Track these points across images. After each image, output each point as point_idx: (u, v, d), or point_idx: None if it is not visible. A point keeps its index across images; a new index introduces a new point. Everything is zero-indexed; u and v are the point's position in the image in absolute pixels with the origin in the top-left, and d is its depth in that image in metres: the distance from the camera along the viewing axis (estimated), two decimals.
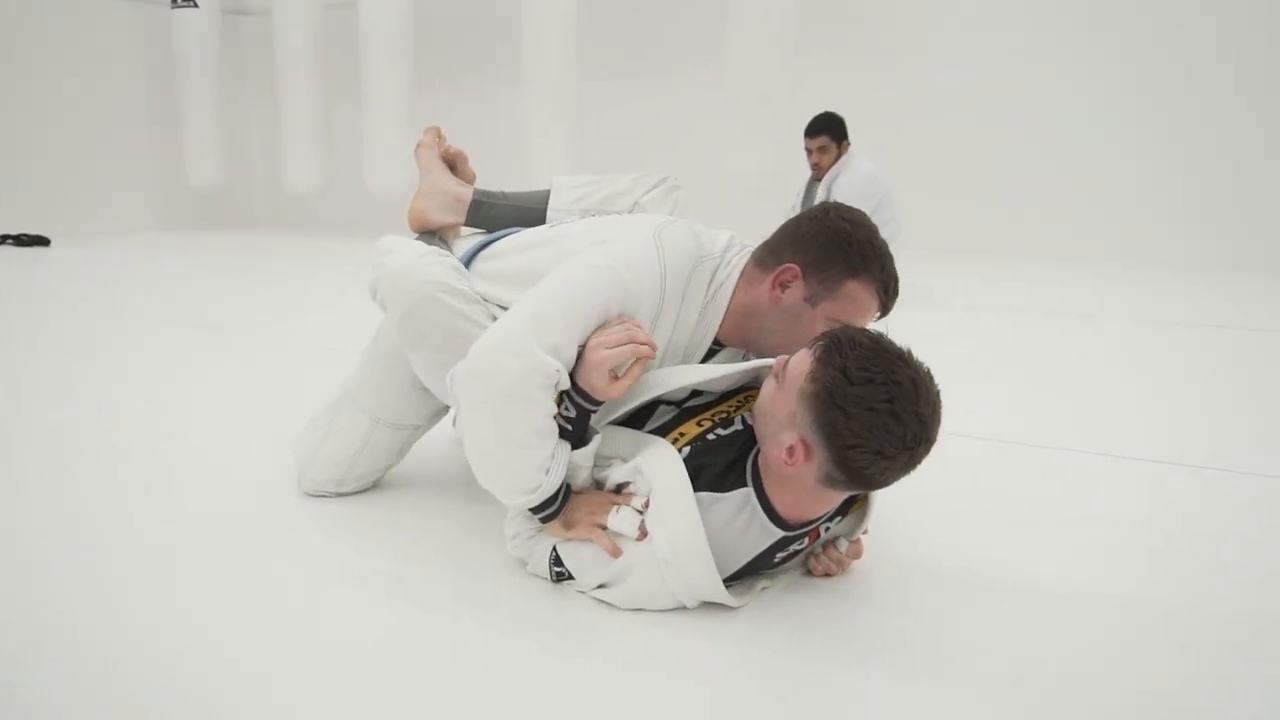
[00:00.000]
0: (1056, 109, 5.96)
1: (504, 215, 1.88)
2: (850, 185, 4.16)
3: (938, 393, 1.22)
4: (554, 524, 1.40)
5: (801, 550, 1.40)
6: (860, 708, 1.17)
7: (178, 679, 1.21)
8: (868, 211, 4.32)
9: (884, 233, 4.32)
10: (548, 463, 1.32)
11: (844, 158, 4.26)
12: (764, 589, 1.41)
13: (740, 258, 1.51)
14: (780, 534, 1.33)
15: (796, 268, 1.42)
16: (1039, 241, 5.94)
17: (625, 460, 1.39)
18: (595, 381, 1.32)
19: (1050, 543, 1.68)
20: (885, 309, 1.46)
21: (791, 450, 1.24)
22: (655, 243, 1.42)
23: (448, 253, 1.65)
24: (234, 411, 2.52)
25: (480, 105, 7.60)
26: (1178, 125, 5.67)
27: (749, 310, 1.48)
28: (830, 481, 1.25)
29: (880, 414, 1.17)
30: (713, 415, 1.42)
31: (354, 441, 1.73)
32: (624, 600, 1.35)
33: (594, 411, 1.37)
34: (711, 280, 1.48)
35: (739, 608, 1.36)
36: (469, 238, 1.83)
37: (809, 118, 4.30)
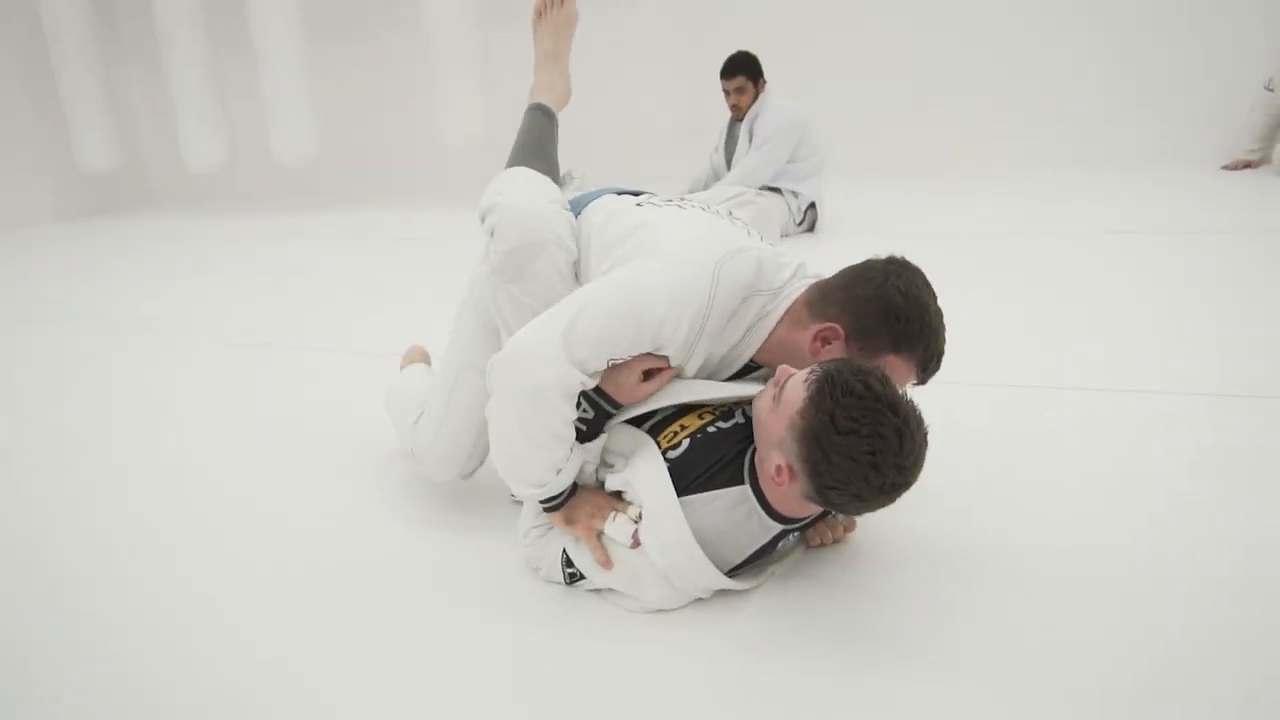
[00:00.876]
0: (980, 12, 5.94)
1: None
2: (772, 124, 4.15)
3: (925, 435, 1.22)
4: (556, 515, 1.41)
5: (800, 532, 1.41)
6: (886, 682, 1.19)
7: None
8: (790, 145, 4.25)
9: (805, 167, 4.27)
10: (560, 464, 1.37)
11: (762, 96, 4.23)
12: (773, 572, 1.42)
13: (798, 289, 1.46)
14: (779, 528, 1.34)
15: (841, 329, 1.39)
16: (974, 156, 5.91)
17: (626, 458, 1.40)
18: (623, 381, 1.38)
19: (1060, 496, 1.71)
20: (921, 382, 1.43)
21: (779, 470, 1.26)
22: (713, 277, 1.39)
23: (567, 207, 1.63)
24: (212, 424, 2.43)
25: (381, 53, 7.35)
26: (1098, 25, 5.72)
27: (789, 349, 1.45)
28: (814, 500, 1.27)
29: (861, 465, 1.18)
30: (713, 408, 1.44)
31: (475, 412, 1.65)
32: (644, 608, 1.36)
33: (612, 415, 1.41)
34: (761, 309, 1.45)
35: (752, 589, 1.38)
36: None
37: (726, 54, 4.25)
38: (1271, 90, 5.01)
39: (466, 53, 6.12)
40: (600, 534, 1.37)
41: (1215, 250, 3.44)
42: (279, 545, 1.70)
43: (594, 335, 1.31)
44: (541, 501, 1.41)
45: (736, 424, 1.40)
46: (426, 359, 2.16)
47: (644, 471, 1.35)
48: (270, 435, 2.29)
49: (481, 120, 6.16)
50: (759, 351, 1.47)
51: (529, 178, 1.64)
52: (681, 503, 1.31)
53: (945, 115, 5.91)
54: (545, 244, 1.50)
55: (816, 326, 1.40)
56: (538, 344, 1.31)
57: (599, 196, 1.68)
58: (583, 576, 1.40)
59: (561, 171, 1.89)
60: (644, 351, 1.37)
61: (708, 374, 1.49)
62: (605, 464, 1.46)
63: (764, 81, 4.24)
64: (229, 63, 7.29)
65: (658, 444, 1.38)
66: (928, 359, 1.39)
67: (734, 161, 4.28)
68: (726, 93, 4.26)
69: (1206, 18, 5.39)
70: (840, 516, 1.48)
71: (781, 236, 4.25)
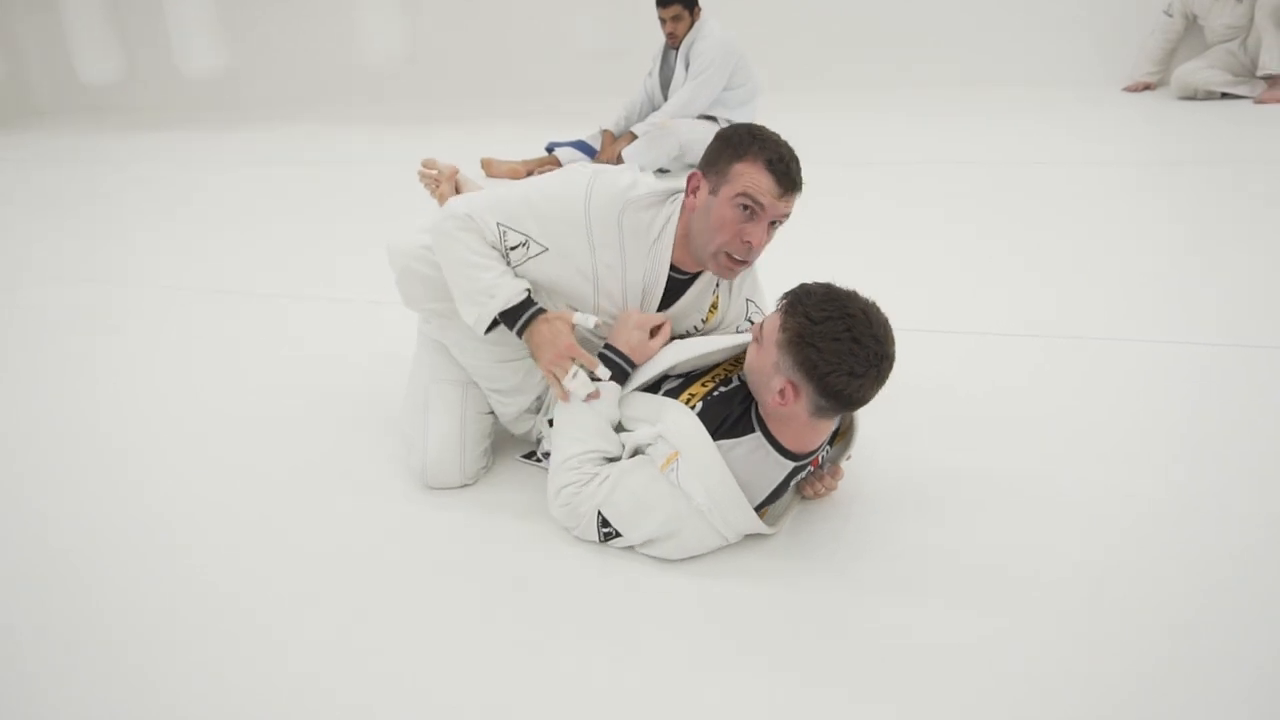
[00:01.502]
0: None
1: None
2: (708, 53, 4.20)
3: (886, 319, 1.41)
4: (526, 337, 1.66)
5: (806, 473, 1.59)
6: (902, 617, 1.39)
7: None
8: (725, 73, 4.30)
9: (740, 94, 4.36)
10: (498, 279, 1.63)
11: (697, 24, 4.27)
12: (784, 525, 1.60)
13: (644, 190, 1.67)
14: (791, 465, 1.52)
15: (698, 173, 1.63)
16: (885, 78, 6.00)
17: (650, 424, 1.54)
18: (633, 339, 1.62)
19: (1035, 445, 1.92)
20: (786, 179, 1.56)
21: (783, 392, 1.43)
22: (585, 189, 1.64)
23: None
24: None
25: None
26: None
27: (685, 230, 1.66)
28: (820, 411, 1.44)
29: (843, 341, 1.37)
30: (713, 377, 1.61)
31: (455, 413, 1.84)
32: (676, 552, 1.52)
33: (630, 372, 1.61)
34: (653, 219, 1.66)
35: (774, 534, 1.57)
36: None
37: None
38: (1170, 15, 5.27)
39: None
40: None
41: (1125, 182, 3.71)
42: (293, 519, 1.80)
43: (489, 209, 1.66)
44: (505, 321, 1.65)
45: (735, 387, 1.59)
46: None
47: (680, 422, 1.51)
48: (263, 400, 2.35)
49: (402, 39, 6.00)
50: (674, 257, 1.68)
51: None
52: None
53: (862, 37, 6.00)
54: (407, 268, 1.79)
55: (689, 193, 1.65)
56: (452, 207, 1.68)
57: None
58: (618, 534, 1.54)
59: None
60: (539, 238, 1.64)
61: (638, 297, 1.70)
62: (624, 429, 1.61)
63: (699, 9, 4.27)
64: None
65: (688, 396, 1.56)
66: (770, 153, 1.55)
67: (671, 89, 4.34)
68: (663, 20, 4.28)
69: None
70: (827, 467, 1.65)
71: None
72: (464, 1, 6.60)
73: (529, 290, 1.65)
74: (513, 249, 1.65)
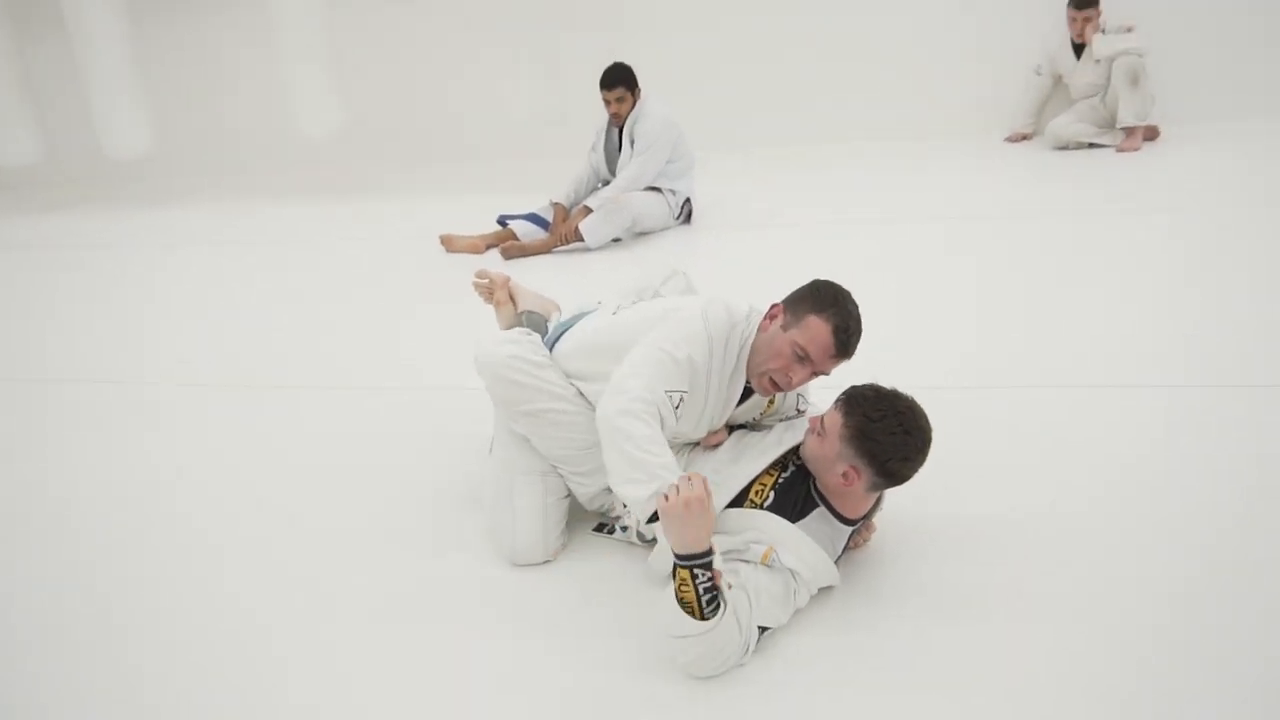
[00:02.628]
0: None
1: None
2: (651, 131, 4.62)
3: (924, 411, 1.83)
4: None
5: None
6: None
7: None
8: (669, 149, 4.75)
9: (680, 166, 4.85)
10: (668, 460, 1.81)
11: (639, 103, 4.68)
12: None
13: (758, 315, 2.05)
14: (849, 529, 1.92)
15: (780, 304, 2.01)
16: (798, 136, 6.49)
17: (738, 533, 1.88)
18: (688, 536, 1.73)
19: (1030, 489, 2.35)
20: (844, 349, 1.94)
21: (846, 475, 1.83)
22: (703, 321, 1.97)
23: (530, 332, 2.22)
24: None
25: (220, 33, 7.11)
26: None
27: (756, 346, 2.02)
28: (875, 487, 1.85)
29: (898, 435, 1.78)
30: (774, 467, 1.98)
31: (538, 502, 2.14)
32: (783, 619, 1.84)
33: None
34: (742, 342, 2.02)
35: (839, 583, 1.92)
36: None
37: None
38: (1040, 74, 5.98)
39: (313, 34, 6.10)
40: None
41: (1014, 233, 4.28)
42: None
43: (646, 380, 1.88)
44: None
45: (793, 472, 1.98)
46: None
47: (770, 526, 1.88)
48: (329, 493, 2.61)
49: (336, 108, 6.21)
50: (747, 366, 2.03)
51: (489, 335, 2.27)
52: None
53: (764, 102, 6.52)
54: (506, 366, 2.09)
55: (768, 317, 2.01)
56: (618, 392, 1.87)
57: (575, 321, 2.29)
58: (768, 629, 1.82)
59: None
60: (685, 386, 1.91)
61: (722, 404, 2.04)
62: (715, 532, 1.90)
63: (639, 90, 4.69)
64: (38, 45, 6.84)
65: (752, 500, 1.92)
66: (841, 321, 1.91)
67: (618, 166, 4.73)
68: (607, 101, 4.67)
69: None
70: (861, 524, 2.05)
71: (663, 230, 4.78)
72: (396, 69, 6.85)
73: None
74: (676, 407, 1.92)
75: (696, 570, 1.68)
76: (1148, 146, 5.53)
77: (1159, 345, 2.98)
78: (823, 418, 1.88)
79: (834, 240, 4.42)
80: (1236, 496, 2.18)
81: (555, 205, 4.81)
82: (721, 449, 2.10)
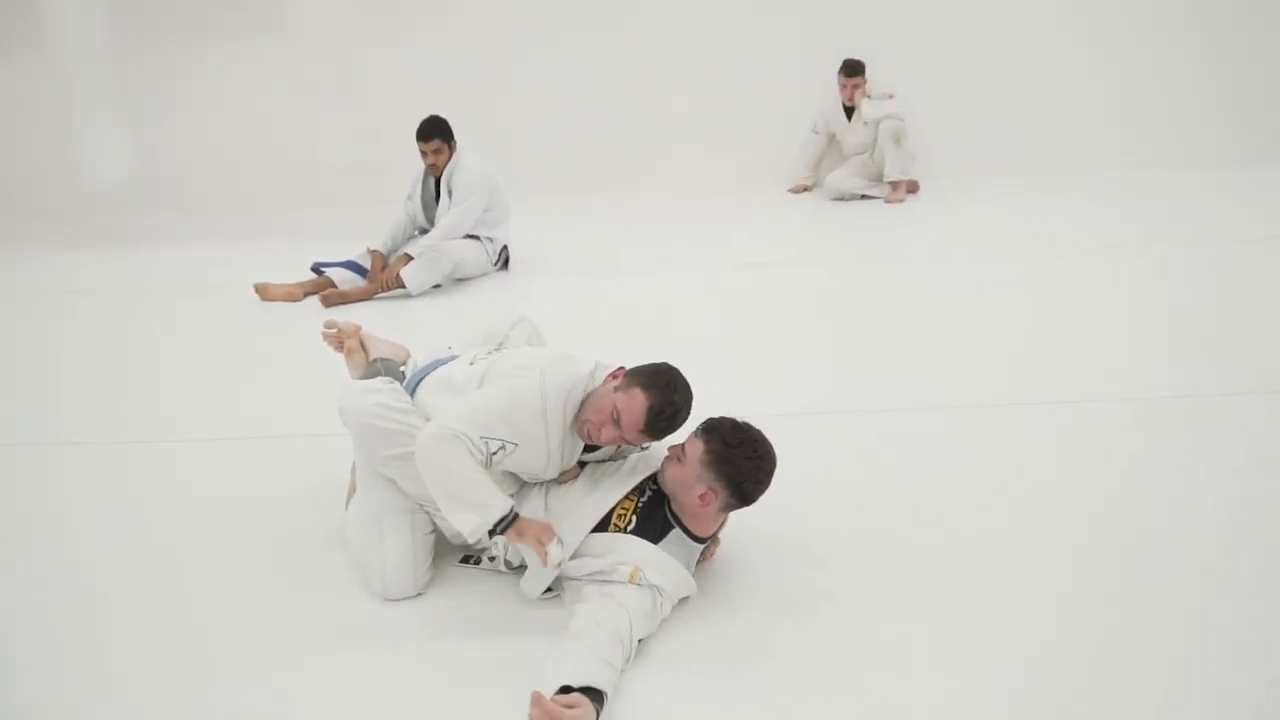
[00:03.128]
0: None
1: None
2: (469, 182, 4.77)
3: (769, 442, 2.09)
4: (510, 532, 2.06)
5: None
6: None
7: None
8: (485, 198, 4.89)
9: (496, 214, 5.07)
10: (491, 495, 2.04)
11: (455, 155, 4.82)
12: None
13: (602, 371, 2.24)
14: (700, 546, 2.15)
15: (623, 369, 2.21)
16: (608, 183, 6.82)
17: (602, 556, 2.08)
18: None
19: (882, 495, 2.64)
20: (654, 430, 2.11)
21: (703, 496, 2.05)
22: (540, 384, 2.14)
23: (391, 380, 2.34)
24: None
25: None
26: None
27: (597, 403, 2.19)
28: (727, 506, 2.09)
29: (753, 459, 2.04)
30: (633, 494, 2.18)
31: (406, 538, 2.24)
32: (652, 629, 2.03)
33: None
34: (584, 394, 2.20)
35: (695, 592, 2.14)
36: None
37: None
38: (817, 133, 6.61)
39: (99, 73, 5.85)
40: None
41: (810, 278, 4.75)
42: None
43: (473, 423, 2.05)
44: (494, 526, 2.03)
45: (650, 495, 2.19)
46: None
47: (633, 548, 2.08)
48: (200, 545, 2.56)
49: (125, 154, 5.95)
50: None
51: (353, 384, 2.41)
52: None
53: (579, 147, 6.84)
54: (371, 415, 2.22)
55: (611, 375, 2.21)
56: (441, 425, 2.04)
57: (433, 368, 2.42)
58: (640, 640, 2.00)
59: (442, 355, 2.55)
60: (510, 439, 2.08)
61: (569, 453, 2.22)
62: (582, 555, 2.11)
63: (455, 142, 4.83)
64: None
65: (615, 524, 2.11)
66: (659, 404, 2.08)
67: (437, 215, 4.84)
68: (424, 153, 4.78)
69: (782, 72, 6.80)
70: (709, 543, 2.28)
71: (481, 276, 4.92)
72: (189, 116, 6.63)
73: (512, 502, 2.08)
74: (494, 454, 2.07)
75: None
76: (910, 198, 6.24)
77: (945, 370, 3.44)
78: (683, 445, 2.10)
79: (640, 284, 4.73)
80: (1026, 496, 2.59)
81: (373, 252, 4.84)
82: (580, 479, 2.28)
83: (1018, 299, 4.23)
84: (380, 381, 2.38)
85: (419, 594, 2.25)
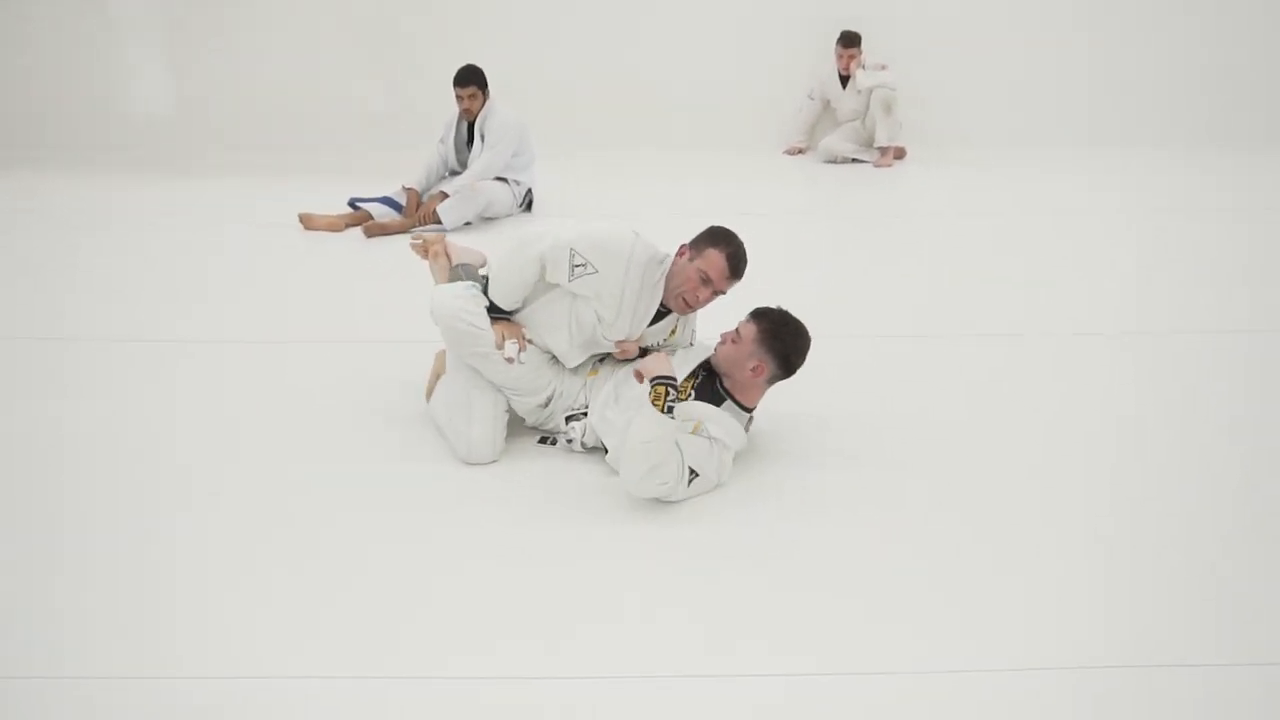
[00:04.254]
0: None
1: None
2: (500, 128, 5.19)
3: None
4: (496, 322, 2.67)
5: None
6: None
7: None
8: (515, 145, 5.29)
9: (523, 160, 5.53)
10: (510, 299, 2.70)
11: (489, 102, 5.22)
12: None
13: (670, 251, 2.73)
14: (748, 415, 2.65)
15: (686, 245, 2.69)
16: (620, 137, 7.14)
17: (691, 418, 2.54)
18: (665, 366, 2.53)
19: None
20: (736, 271, 2.65)
21: (756, 369, 2.55)
22: (634, 240, 2.68)
23: (472, 284, 2.76)
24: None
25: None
26: None
27: (671, 275, 2.69)
28: (773, 378, 2.60)
29: (797, 337, 2.57)
30: (690, 377, 2.66)
31: (490, 411, 2.68)
32: (715, 477, 2.51)
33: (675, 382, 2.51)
34: (656, 272, 2.68)
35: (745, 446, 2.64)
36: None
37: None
38: (812, 99, 7.06)
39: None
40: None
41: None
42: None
43: (574, 240, 2.61)
44: (496, 313, 2.67)
45: (703, 378, 2.68)
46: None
47: (698, 408, 2.57)
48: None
49: (165, 89, 6.24)
50: (662, 299, 2.71)
51: (440, 289, 2.84)
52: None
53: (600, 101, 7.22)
54: (453, 319, 2.66)
55: (678, 254, 2.69)
56: (543, 235, 2.66)
57: None
58: (697, 474, 2.47)
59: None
60: (594, 263, 2.60)
61: (631, 314, 2.68)
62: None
63: (488, 90, 5.22)
64: None
65: (679, 398, 2.57)
66: (733, 250, 2.63)
67: (471, 157, 5.25)
68: (460, 97, 5.18)
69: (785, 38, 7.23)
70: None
71: (508, 216, 5.34)
72: (230, 51, 6.91)
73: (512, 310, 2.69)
74: (576, 265, 2.57)
75: (669, 388, 2.43)
76: (898, 164, 6.73)
77: (933, 300, 3.94)
78: (737, 329, 2.59)
79: (650, 227, 5.12)
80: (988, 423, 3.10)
81: (409, 190, 5.23)
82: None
83: (988, 247, 4.84)
84: (463, 287, 2.79)
85: (495, 460, 2.72)
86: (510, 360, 2.60)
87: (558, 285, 2.65)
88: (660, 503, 2.47)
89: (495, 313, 2.68)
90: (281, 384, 3.26)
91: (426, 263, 3.20)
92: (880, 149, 6.71)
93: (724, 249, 2.62)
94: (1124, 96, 7.26)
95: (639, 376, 2.53)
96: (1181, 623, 2.08)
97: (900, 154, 6.82)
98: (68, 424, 2.94)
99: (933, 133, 7.01)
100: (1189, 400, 3.15)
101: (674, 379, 2.47)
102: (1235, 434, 2.93)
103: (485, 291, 2.76)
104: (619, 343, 2.73)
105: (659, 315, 2.75)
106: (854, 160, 6.79)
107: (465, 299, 2.73)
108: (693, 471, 2.46)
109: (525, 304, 2.71)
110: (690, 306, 2.69)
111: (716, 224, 2.71)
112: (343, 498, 2.56)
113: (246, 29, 6.92)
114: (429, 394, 2.97)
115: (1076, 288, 4.21)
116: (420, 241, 3.20)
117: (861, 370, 3.38)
